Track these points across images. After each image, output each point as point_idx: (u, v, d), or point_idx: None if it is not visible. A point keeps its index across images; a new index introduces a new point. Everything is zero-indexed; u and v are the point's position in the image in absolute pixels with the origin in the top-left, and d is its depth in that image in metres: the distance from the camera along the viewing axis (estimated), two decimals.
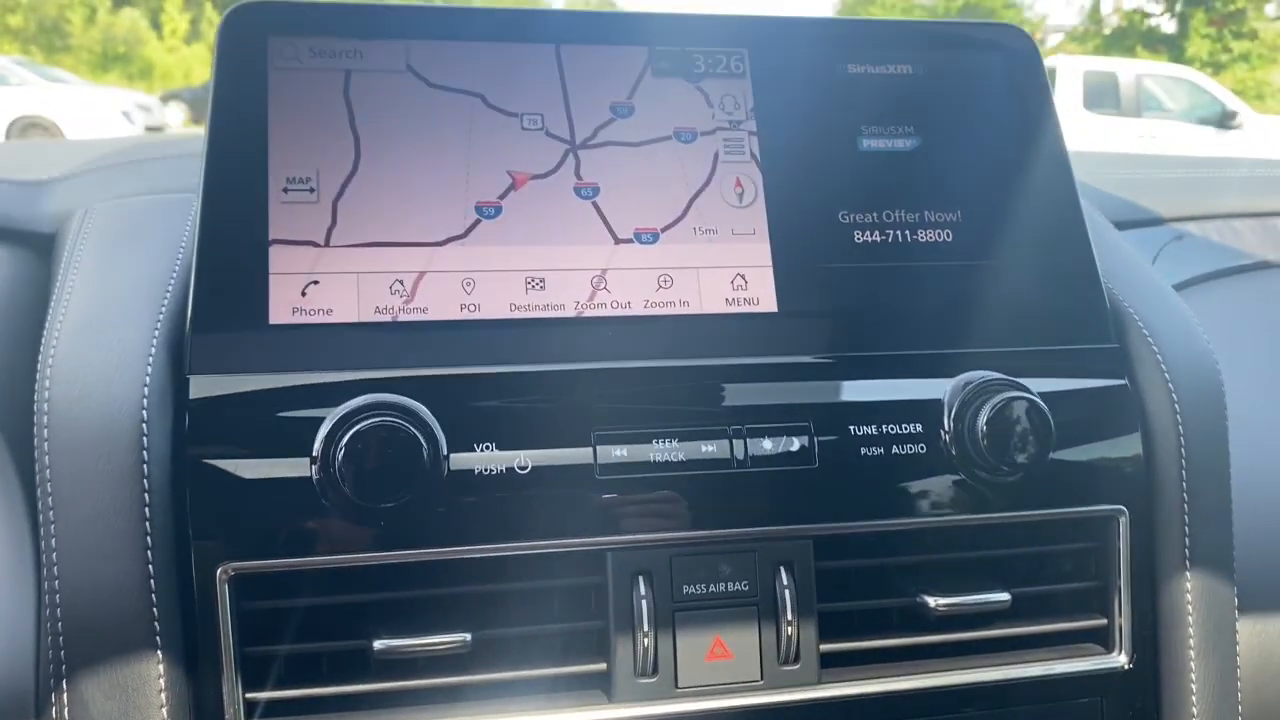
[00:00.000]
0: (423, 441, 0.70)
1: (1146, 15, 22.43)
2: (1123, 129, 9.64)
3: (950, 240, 0.86)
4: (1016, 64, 0.92)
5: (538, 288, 0.79)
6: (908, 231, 0.85)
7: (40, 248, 0.93)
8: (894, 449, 0.79)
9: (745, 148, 0.85)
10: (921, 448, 0.80)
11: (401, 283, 0.77)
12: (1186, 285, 1.20)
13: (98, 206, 0.88)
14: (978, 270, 0.86)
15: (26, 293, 0.91)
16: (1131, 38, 21.92)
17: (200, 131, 0.81)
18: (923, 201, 0.86)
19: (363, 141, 0.79)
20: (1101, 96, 10.28)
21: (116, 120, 12.56)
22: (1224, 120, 10.47)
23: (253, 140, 0.78)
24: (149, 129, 14.04)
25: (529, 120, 0.83)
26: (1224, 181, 1.34)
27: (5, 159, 1.12)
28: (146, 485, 0.70)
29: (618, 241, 0.81)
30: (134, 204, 0.88)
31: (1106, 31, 23.52)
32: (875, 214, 0.85)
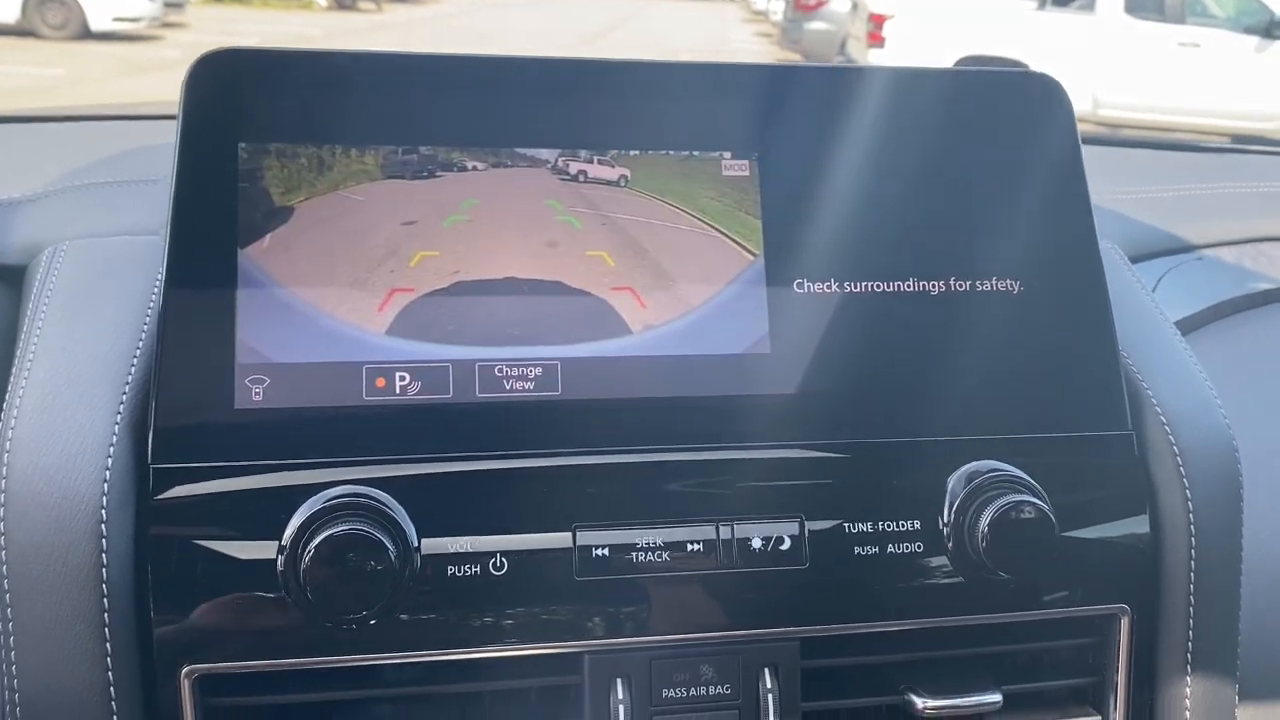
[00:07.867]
0: (392, 550, 0.67)
1: None
2: (1164, 36, 9.32)
3: (960, 314, 0.81)
4: (1041, 119, 0.85)
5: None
6: (913, 304, 0.80)
7: (9, 279, 0.89)
8: (889, 547, 0.76)
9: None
10: (919, 546, 0.76)
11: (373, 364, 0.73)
12: (1211, 312, 1.14)
13: (67, 246, 0.84)
14: (989, 348, 0.81)
15: None
16: None
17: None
18: (930, 272, 0.81)
19: None
20: (1144, 0, 9.91)
21: None
22: (1271, 29, 10.08)
23: (220, 221, 0.73)
24: (169, 4, 13.76)
25: None
26: (1261, 198, 1.27)
27: None
28: (105, 590, 0.67)
29: None
30: (104, 247, 0.83)
31: None
32: (879, 284, 0.80)
